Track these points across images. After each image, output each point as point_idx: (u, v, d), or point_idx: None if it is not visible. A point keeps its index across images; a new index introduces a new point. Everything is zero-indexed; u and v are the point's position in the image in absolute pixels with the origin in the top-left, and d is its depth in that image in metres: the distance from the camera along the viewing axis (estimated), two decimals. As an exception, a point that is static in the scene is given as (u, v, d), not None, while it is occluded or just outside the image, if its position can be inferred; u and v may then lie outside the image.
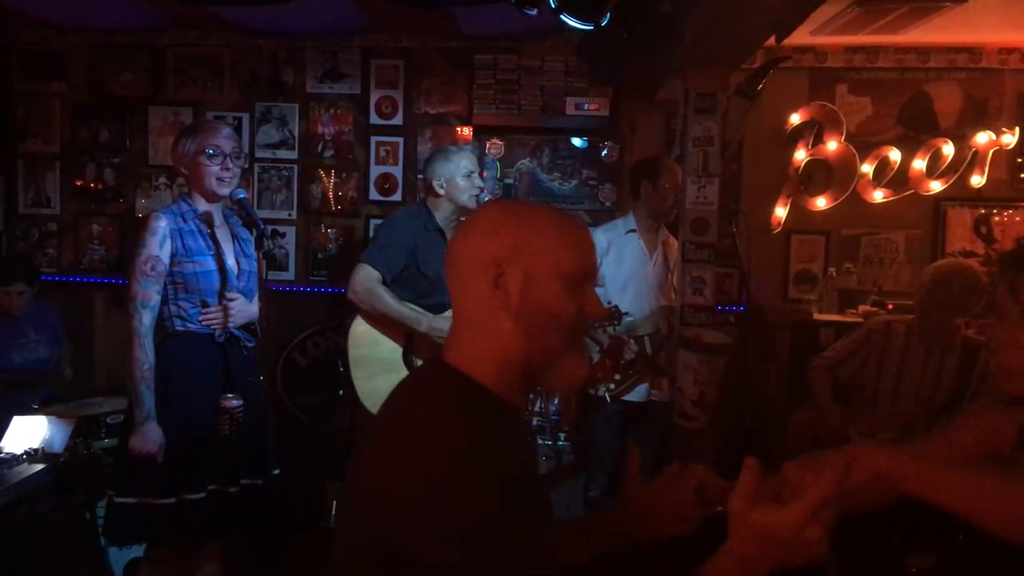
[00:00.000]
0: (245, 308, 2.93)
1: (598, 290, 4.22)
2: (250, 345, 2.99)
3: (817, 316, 4.54)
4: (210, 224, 2.90)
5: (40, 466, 2.96)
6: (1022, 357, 1.51)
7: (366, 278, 3.45)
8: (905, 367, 3.51)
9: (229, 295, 2.87)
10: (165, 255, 2.76)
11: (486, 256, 1.23)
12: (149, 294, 2.74)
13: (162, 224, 2.77)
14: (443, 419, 1.15)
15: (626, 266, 3.90)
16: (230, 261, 2.92)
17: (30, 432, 3.13)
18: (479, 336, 1.25)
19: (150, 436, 2.70)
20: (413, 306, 3.51)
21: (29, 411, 3.36)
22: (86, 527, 3.21)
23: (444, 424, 1.14)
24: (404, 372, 3.49)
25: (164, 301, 2.79)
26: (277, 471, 3.04)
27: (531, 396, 4.42)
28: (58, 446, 3.12)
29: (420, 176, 4.78)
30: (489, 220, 1.29)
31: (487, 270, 1.23)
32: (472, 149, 3.74)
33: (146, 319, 2.73)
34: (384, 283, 3.49)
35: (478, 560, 1.03)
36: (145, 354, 2.72)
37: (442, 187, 3.59)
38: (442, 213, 3.63)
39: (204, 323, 2.83)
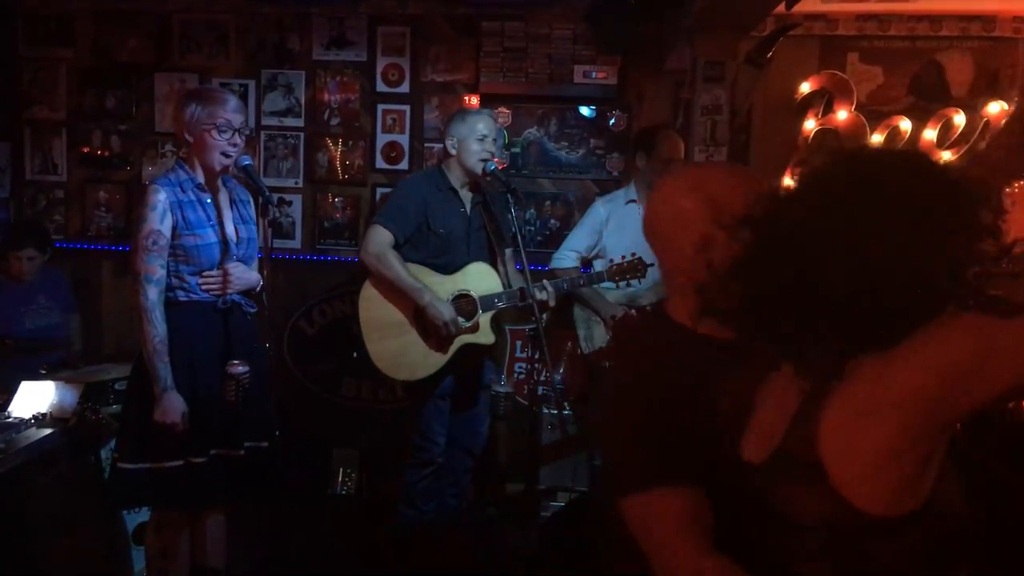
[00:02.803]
0: (245, 275, 2.93)
1: (598, 262, 4.22)
2: (252, 311, 3.00)
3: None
4: (210, 191, 2.89)
5: (48, 430, 2.98)
6: None
7: (380, 241, 3.49)
8: None
9: (228, 265, 2.87)
10: (167, 228, 2.76)
11: None
12: (153, 268, 2.74)
13: (161, 197, 2.76)
14: None
15: (627, 236, 3.88)
16: (229, 229, 2.92)
17: (38, 397, 3.15)
18: None
19: (172, 406, 2.73)
20: (420, 273, 3.52)
21: (37, 377, 3.38)
22: (95, 491, 3.24)
23: None
24: (414, 335, 3.53)
25: (166, 272, 2.80)
26: (278, 434, 3.07)
27: (537, 366, 4.44)
28: (66, 411, 3.14)
29: (428, 145, 4.78)
30: None
31: None
32: (490, 113, 3.73)
33: (152, 293, 2.74)
34: (397, 244, 3.52)
35: None
36: (155, 328, 2.73)
37: (454, 147, 3.60)
38: (455, 173, 3.64)
39: (204, 289, 2.84)
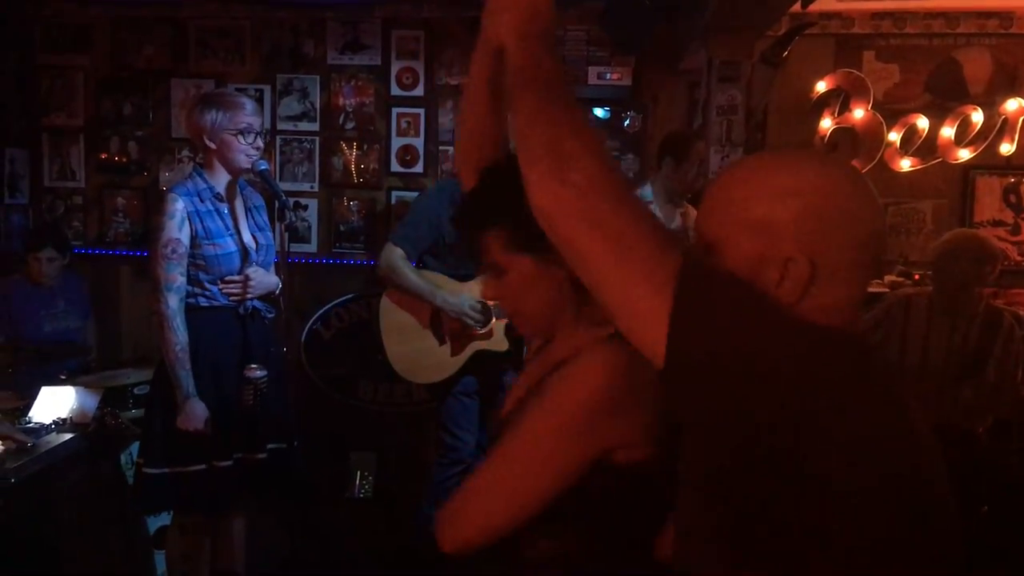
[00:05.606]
0: (265, 279, 2.95)
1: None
2: (270, 316, 3.01)
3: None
4: (227, 199, 2.91)
5: (68, 435, 3.00)
6: None
7: (390, 256, 3.56)
8: (931, 341, 3.47)
9: (249, 271, 2.89)
10: (185, 237, 2.78)
11: None
12: (173, 276, 2.76)
13: (179, 207, 2.77)
14: None
15: None
16: (247, 237, 2.94)
17: (58, 402, 3.17)
18: None
19: (195, 413, 2.75)
20: (432, 277, 3.57)
21: (57, 382, 3.40)
22: (116, 496, 3.26)
23: None
24: (432, 339, 3.57)
25: (186, 279, 2.82)
26: (296, 440, 3.08)
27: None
28: (86, 416, 3.16)
29: (443, 148, 4.78)
30: None
31: None
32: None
33: (172, 302, 2.76)
34: (410, 259, 3.57)
35: None
36: (176, 335, 2.75)
37: None
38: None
39: (224, 294, 2.86)
